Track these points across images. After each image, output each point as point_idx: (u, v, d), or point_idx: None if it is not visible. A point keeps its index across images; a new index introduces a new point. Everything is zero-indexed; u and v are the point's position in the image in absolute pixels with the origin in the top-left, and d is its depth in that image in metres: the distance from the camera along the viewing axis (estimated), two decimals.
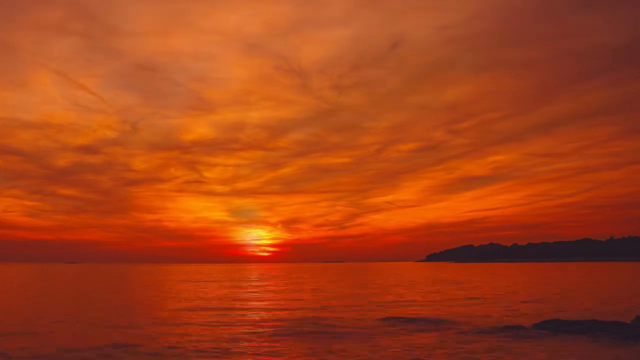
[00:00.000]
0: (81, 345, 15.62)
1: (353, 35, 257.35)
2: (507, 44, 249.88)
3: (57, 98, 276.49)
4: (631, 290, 40.07)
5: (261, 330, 19.03)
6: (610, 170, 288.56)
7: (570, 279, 59.74)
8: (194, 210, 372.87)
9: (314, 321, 21.08)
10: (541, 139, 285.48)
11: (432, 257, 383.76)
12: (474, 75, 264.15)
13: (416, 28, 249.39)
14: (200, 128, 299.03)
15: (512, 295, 34.94)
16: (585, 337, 16.71)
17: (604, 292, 37.78)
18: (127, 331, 18.64)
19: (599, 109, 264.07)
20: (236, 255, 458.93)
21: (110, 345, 15.51)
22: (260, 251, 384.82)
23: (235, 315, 24.11)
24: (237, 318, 22.84)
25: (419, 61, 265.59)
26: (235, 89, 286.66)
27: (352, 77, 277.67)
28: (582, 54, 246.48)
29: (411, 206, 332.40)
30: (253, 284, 57.20)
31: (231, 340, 16.81)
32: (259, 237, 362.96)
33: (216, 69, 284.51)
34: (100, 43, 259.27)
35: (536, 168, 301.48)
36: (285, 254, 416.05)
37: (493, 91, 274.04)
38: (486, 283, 52.53)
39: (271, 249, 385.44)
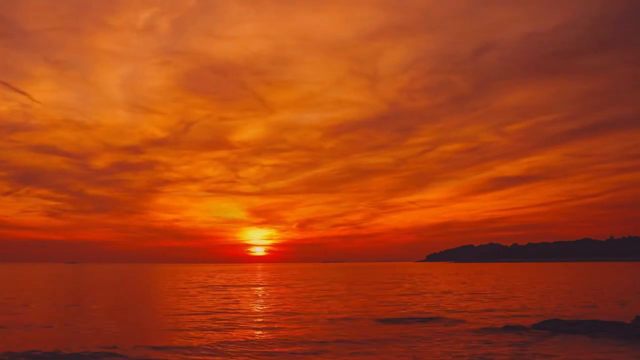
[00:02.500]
0: None
1: (438, 40, 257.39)
2: (585, 50, 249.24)
3: (118, 100, 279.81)
4: (631, 290, 40.06)
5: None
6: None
7: (570, 279, 59.72)
8: (212, 210, 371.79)
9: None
10: (584, 141, 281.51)
11: (432, 257, 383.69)
12: (543, 79, 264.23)
13: (503, 36, 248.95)
14: (253, 129, 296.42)
15: (512, 296, 34.94)
16: (585, 337, 16.71)
17: (604, 292, 37.77)
18: None
19: None
20: (237, 255, 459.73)
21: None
22: (263, 251, 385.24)
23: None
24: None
25: (494, 67, 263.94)
26: (303, 91, 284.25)
27: (424, 81, 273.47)
28: None
29: (432, 206, 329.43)
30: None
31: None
32: (267, 237, 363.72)
33: (289, 71, 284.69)
34: (177, 45, 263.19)
35: (570, 169, 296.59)
36: (286, 254, 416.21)
37: (555, 94, 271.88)
38: (485, 282, 52.54)
39: (273, 249, 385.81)
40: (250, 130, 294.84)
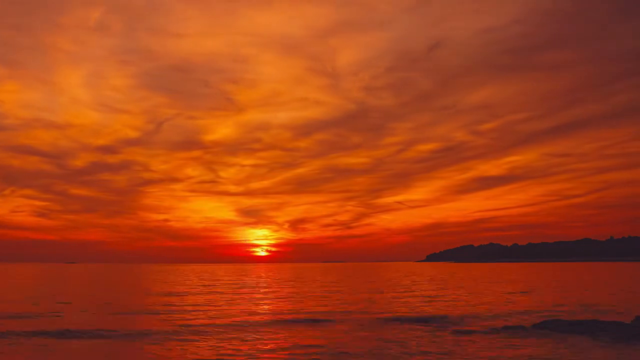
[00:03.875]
0: None
1: (392, 37, 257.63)
2: (543, 46, 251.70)
3: (85, 99, 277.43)
4: (631, 290, 40.06)
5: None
6: (623, 170, 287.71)
7: (570, 279, 59.72)
8: (202, 211, 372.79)
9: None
10: (562, 140, 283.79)
11: (432, 257, 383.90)
12: (505, 77, 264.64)
13: (456, 31, 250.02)
14: (224, 128, 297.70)
15: (512, 296, 34.93)
16: (585, 337, 16.70)
17: (604, 292, 37.76)
18: None
19: (624, 111, 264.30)
20: (237, 255, 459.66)
21: None
22: (262, 251, 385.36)
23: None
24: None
25: (453, 63, 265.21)
26: (266, 90, 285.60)
27: (384, 79, 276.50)
28: (613, 56, 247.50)
29: (421, 206, 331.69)
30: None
31: None
32: (262, 237, 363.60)
33: (250, 70, 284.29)
34: (134, 44, 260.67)
35: (550, 169, 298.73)
36: (286, 254, 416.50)
37: (521, 92, 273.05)
38: (485, 283, 52.54)
39: (272, 249, 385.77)
40: (221, 130, 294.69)
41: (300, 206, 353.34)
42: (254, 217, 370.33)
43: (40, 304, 29.41)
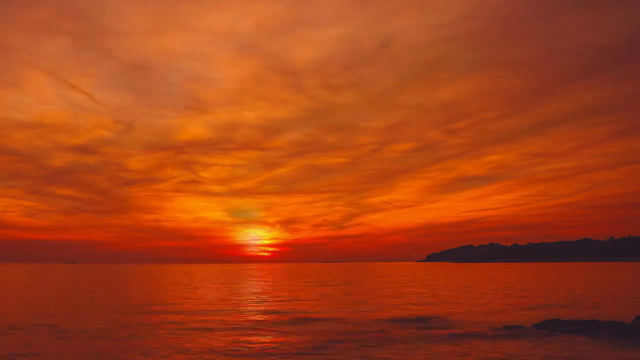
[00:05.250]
0: None
1: (344, 34, 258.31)
2: (501, 43, 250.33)
3: (51, 98, 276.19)
4: (631, 290, 40.05)
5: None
6: (607, 170, 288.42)
7: (570, 279, 59.69)
8: (192, 210, 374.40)
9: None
10: (537, 139, 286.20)
11: (432, 257, 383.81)
12: (468, 74, 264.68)
13: (407, 27, 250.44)
14: (195, 128, 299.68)
15: (512, 296, 34.91)
16: (585, 337, 16.67)
17: (604, 292, 37.74)
18: None
19: (595, 109, 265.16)
20: (236, 255, 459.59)
21: None
22: (260, 251, 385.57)
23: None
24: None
25: (410, 60, 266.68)
26: (230, 89, 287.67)
27: (344, 76, 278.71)
28: (577, 53, 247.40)
29: (409, 206, 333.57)
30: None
31: None
32: (258, 237, 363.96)
33: (210, 68, 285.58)
34: (92, 43, 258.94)
35: (533, 168, 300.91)
36: (285, 254, 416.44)
37: (488, 91, 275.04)
38: (482, 282, 52.52)
39: (271, 249, 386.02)
40: (192, 129, 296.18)
41: (288, 206, 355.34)
42: (243, 217, 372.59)
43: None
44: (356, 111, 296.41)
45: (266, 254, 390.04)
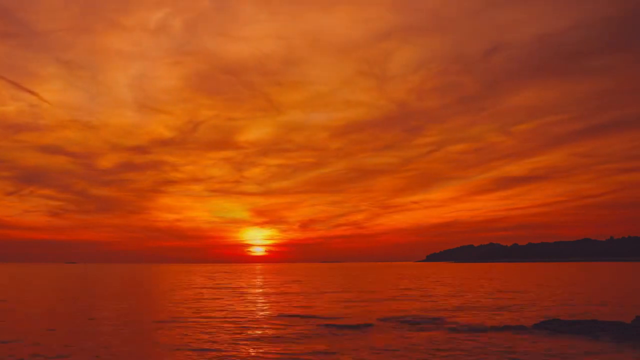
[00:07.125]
0: None
1: (448, 41, 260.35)
2: (591, 52, 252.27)
3: (127, 99, 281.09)
4: (631, 290, 40.04)
5: None
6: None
7: (570, 279, 59.69)
8: (214, 211, 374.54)
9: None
10: (588, 141, 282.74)
11: (432, 257, 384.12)
12: (548, 80, 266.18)
13: (512, 35, 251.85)
14: (261, 129, 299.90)
15: (512, 296, 34.90)
16: (585, 337, 16.67)
17: (604, 292, 37.73)
18: None
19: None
20: (236, 255, 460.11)
21: None
22: (265, 251, 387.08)
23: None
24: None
25: (504, 68, 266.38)
26: (309, 92, 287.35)
27: (433, 81, 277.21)
28: None
29: (434, 206, 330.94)
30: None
31: None
32: (262, 237, 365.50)
33: (297, 72, 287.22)
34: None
35: (573, 170, 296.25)
36: (285, 254, 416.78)
37: (560, 95, 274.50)
38: (478, 283, 52.51)
39: (273, 249, 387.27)
40: (257, 131, 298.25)
41: (315, 206, 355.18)
42: (267, 216, 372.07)
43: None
44: (428, 114, 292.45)
45: (265, 254, 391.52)
